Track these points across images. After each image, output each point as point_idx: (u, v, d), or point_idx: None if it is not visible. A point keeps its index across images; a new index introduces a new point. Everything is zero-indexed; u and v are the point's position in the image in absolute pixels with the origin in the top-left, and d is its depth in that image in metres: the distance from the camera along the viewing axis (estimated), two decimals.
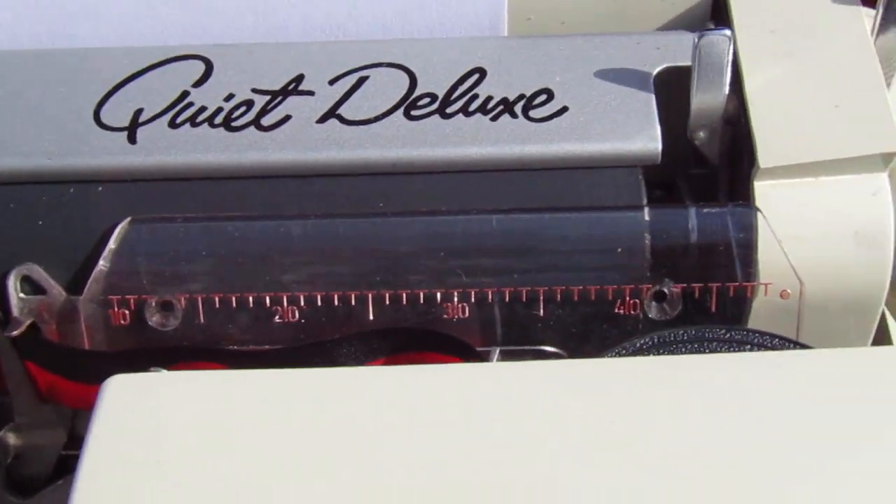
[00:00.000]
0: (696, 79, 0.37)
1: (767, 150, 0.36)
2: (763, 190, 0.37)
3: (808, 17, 0.40)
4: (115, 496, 0.29)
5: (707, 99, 0.37)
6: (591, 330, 0.37)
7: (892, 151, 0.36)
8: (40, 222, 0.37)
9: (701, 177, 0.41)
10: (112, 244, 0.36)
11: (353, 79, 0.38)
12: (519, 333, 0.37)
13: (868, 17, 0.40)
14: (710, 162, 0.38)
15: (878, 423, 0.29)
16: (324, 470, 0.29)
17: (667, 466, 0.28)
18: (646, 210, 0.36)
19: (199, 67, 0.39)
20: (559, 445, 0.29)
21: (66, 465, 0.40)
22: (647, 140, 0.37)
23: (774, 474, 0.28)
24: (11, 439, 0.39)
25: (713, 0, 0.42)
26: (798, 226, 0.37)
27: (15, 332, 0.36)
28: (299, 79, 0.38)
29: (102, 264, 0.36)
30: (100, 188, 0.37)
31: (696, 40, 0.36)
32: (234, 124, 0.37)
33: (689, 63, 0.37)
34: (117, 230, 0.36)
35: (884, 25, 0.40)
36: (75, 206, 0.37)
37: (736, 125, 0.38)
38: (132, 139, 0.37)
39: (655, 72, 0.38)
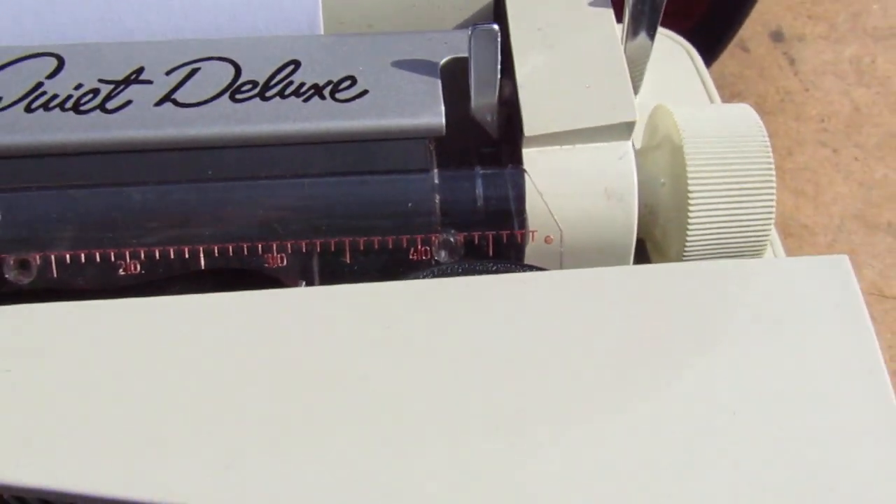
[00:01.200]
0: (472, 65, 0.43)
1: (532, 121, 0.43)
2: (530, 155, 0.43)
3: (569, 18, 0.47)
4: None
5: (483, 82, 0.44)
6: (392, 274, 0.43)
7: (630, 121, 0.43)
8: None
9: (489, 154, 0.47)
10: None
11: (186, 70, 0.44)
12: (330, 279, 0.43)
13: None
14: (492, 137, 0.45)
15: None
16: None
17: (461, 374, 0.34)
18: (435, 173, 0.43)
19: (52, 63, 0.44)
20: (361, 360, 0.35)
21: None
22: (433, 115, 0.43)
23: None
24: None
25: (495, 6, 0.49)
26: (559, 184, 0.43)
27: None
28: (140, 70, 0.44)
29: None
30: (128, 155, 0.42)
31: (471, 32, 0.43)
32: (82, 108, 0.42)
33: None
34: None
35: (630, 36, 0.47)
36: None
37: (511, 106, 0.45)
38: None
39: (442, 62, 0.45)
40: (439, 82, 0.44)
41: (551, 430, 0.33)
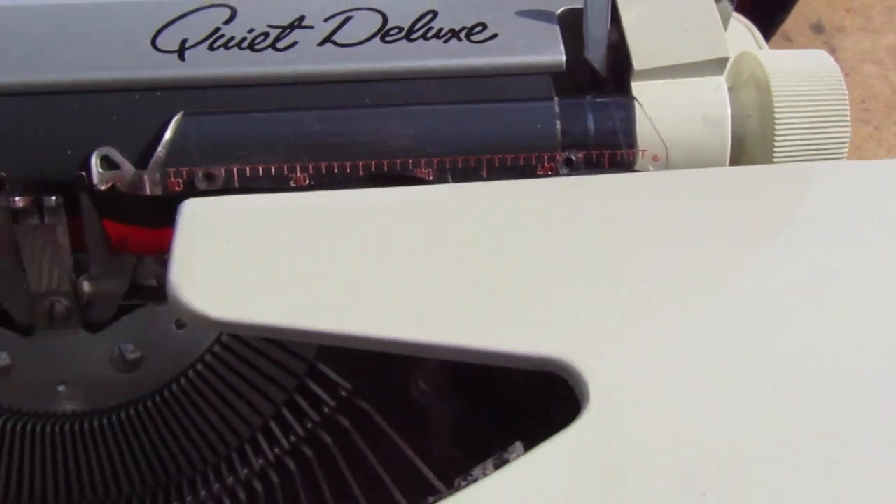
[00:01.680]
0: (587, 12, 0.50)
1: (639, 58, 0.50)
2: (638, 88, 0.50)
3: None
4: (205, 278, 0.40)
5: (596, 27, 0.50)
6: None
7: (724, 57, 0.50)
8: (114, 117, 0.48)
9: (600, 92, 0.53)
10: (169, 131, 0.47)
11: (341, 17, 0.51)
12: None
13: None
14: (601, 77, 0.51)
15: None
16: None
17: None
18: (556, 100, 0.49)
19: (227, 12, 0.51)
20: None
21: (123, 311, 0.50)
22: (555, 54, 0.50)
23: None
24: (86, 287, 0.49)
25: None
26: (663, 111, 0.50)
27: (98, 188, 0.46)
28: (302, 18, 0.51)
29: (162, 146, 0.47)
30: (158, 94, 0.48)
31: None
32: (256, 48, 0.49)
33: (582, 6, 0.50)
34: (173, 121, 0.47)
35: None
36: (140, 107, 0.48)
37: (618, 50, 0.52)
38: (182, 58, 0.49)
39: (559, 11, 0.51)
40: (558, 27, 0.50)
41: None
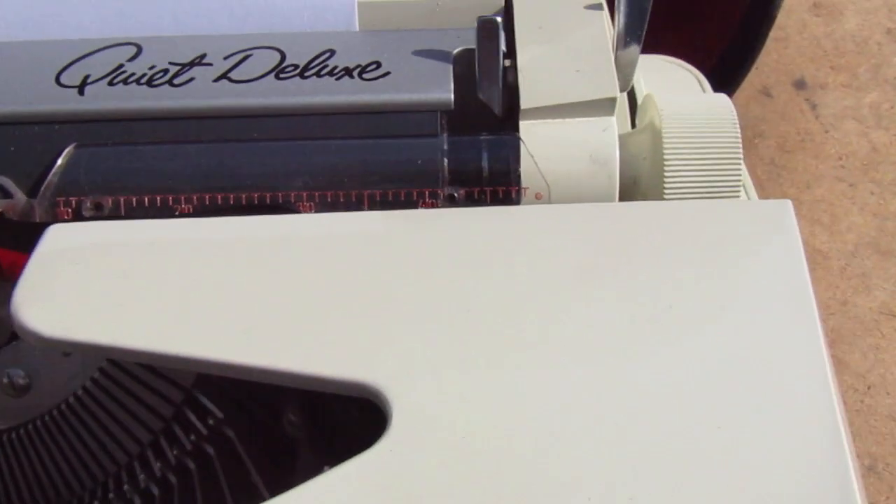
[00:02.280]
0: (478, 51, 0.50)
1: (528, 96, 0.50)
2: (526, 126, 0.50)
3: (566, 18, 0.54)
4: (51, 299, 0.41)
5: (487, 66, 0.50)
6: None
7: (612, 97, 0.49)
8: (12, 148, 0.49)
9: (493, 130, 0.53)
10: (60, 161, 0.49)
11: (240, 55, 0.52)
12: None
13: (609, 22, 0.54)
14: (497, 116, 0.51)
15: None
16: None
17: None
18: (443, 137, 0.49)
19: (132, 50, 0.52)
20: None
21: (14, 336, 0.50)
22: (444, 92, 0.50)
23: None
24: None
25: (504, 10, 0.56)
26: (551, 150, 0.50)
27: None
28: (203, 56, 0.52)
29: (52, 175, 0.49)
30: (56, 127, 0.50)
31: (477, 23, 0.50)
32: (154, 83, 0.51)
33: None
34: (65, 152, 0.49)
35: (620, 44, 0.54)
36: (39, 139, 0.49)
37: (513, 89, 0.52)
38: (81, 93, 0.50)
39: (455, 51, 0.52)
40: (450, 66, 0.51)
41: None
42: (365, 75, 0.51)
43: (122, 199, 0.48)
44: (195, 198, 0.48)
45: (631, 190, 0.51)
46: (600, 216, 0.44)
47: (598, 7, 0.54)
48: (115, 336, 0.38)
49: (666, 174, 0.50)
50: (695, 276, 0.42)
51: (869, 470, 0.95)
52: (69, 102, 0.50)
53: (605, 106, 0.50)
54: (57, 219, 0.48)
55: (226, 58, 0.52)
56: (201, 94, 0.50)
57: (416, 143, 0.49)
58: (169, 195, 0.48)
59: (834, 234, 0.94)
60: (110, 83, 0.51)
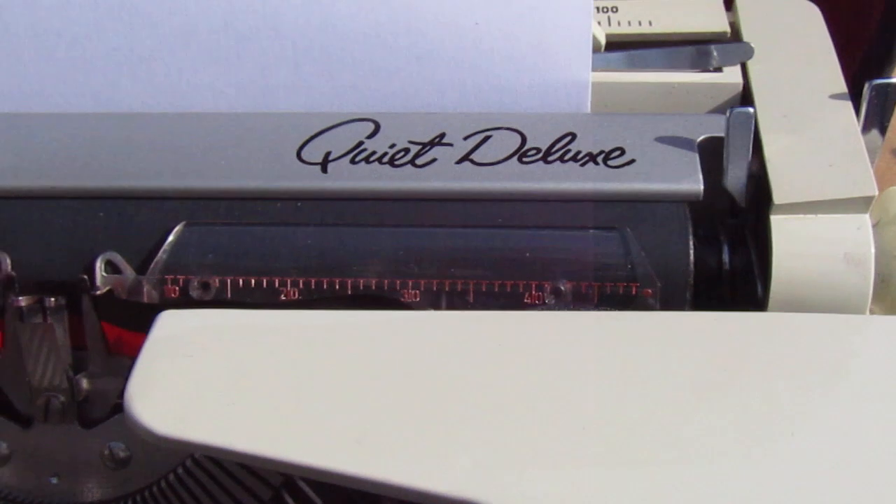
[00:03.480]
0: (729, 143, 0.48)
1: (780, 192, 0.47)
2: (777, 221, 0.48)
3: (811, 105, 0.51)
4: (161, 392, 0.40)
5: (737, 156, 0.48)
6: None
7: (869, 195, 0.47)
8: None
9: (734, 225, 0.51)
10: (170, 238, 0.48)
11: (480, 136, 0.50)
12: None
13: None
14: (739, 205, 0.49)
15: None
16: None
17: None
18: (691, 241, 0.48)
19: (371, 126, 0.51)
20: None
21: (117, 409, 0.50)
22: (692, 183, 0.48)
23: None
24: (83, 384, 0.50)
25: (742, 95, 0.54)
26: (804, 248, 0.47)
27: (97, 293, 0.48)
28: (442, 135, 0.51)
29: (161, 253, 0.48)
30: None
31: (728, 114, 0.48)
32: (396, 163, 0.49)
33: (724, 134, 0.49)
34: (175, 230, 0.48)
35: (866, 127, 0.52)
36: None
37: (758, 180, 0.50)
38: (324, 171, 0.49)
39: (699, 139, 0.50)
40: (697, 155, 0.49)
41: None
42: (610, 162, 0.49)
43: (228, 280, 0.47)
44: (301, 282, 0.47)
45: (881, 290, 0.49)
46: (742, 326, 0.42)
47: (844, 96, 0.52)
48: (226, 439, 0.38)
49: None
50: (823, 395, 0.40)
51: None
52: (313, 180, 0.49)
53: (860, 203, 0.47)
54: (164, 297, 0.48)
55: (465, 138, 0.50)
56: (446, 176, 0.49)
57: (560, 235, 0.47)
58: (275, 278, 0.47)
59: None
60: (352, 161, 0.50)
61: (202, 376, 0.41)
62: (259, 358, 0.42)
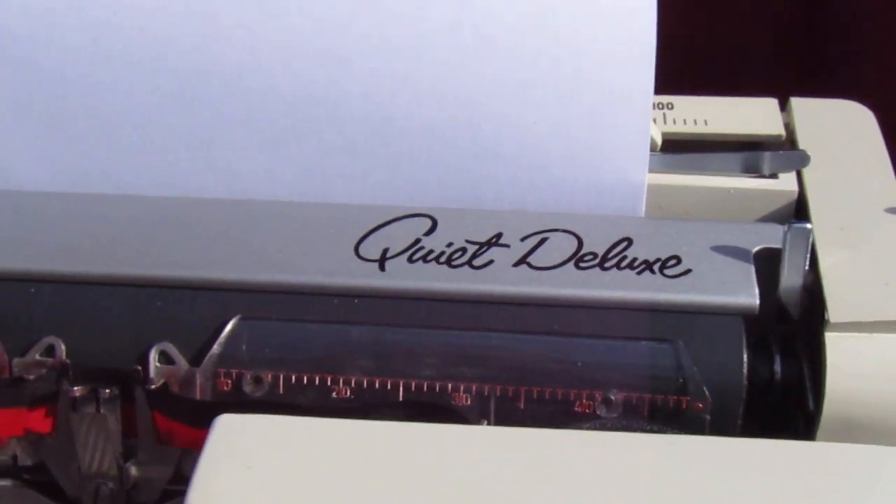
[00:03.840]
0: (786, 257, 0.48)
1: (836, 311, 0.47)
2: (831, 339, 0.47)
3: (867, 219, 0.52)
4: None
5: (793, 269, 0.48)
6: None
7: None
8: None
9: (783, 331, 0.51)
10: (226, 331, 0.48)
11: (537, 238, 0.50)
12: None
13: None
14: (792, 317, 0.49)
15: None
16: None
17: None
18: (745, 356, 0.47)
19: (428, 223, 0.51)
20: None
21: (166, 496, 0.51)
22: (748, 297, 0.48)
23: None
24: (133, 471, 0.51)
25: (797, 205, 0.54)
26: (858, 367, 0.47)
27: (152, 386, 0.48)
28: (499, 235, 0.51)
29: (216, 346, 0.48)
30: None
31: (787, 228, 0.48)
32: (453, 263, 0.50)
33: (779, 245, 0.49)
34: (230, 323, 0.48)
35: None
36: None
37: (811, 292, 0.50)
38: (382, 269, 0.50)
39: (755, 250, 0.50)
40: (753, 267, 0.49)
41: None
42: (666, 271, 0.49)
43: (281, 376, 0.48)
44: (353, 380, 0.47)
45: None
46: (793, 455, 0.42)
47: None
48: None
49: None
50: None
51: None
52: (371, 278, 0.49)
53: None
54: (217, 390, 0.48)
55: (522, 239, 0.50)
56: (503, 280, 0.49)
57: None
58: (328, 375, 0.47)
59: None
60: (409, 259, 0.50)
61: (262, 486, 0.41)
62: (316, 469, 0.42)
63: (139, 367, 0.48)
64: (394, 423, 0.44)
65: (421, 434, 0.44)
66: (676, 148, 0.56)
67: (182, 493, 0.49)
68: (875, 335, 0.47)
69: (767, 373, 0.49)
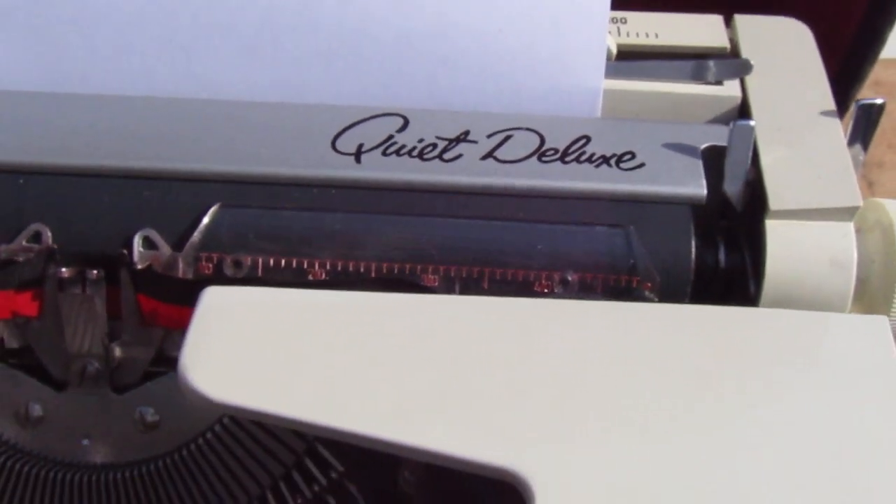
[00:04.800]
0: (730, 152, 0.52)
1: (776, 198, 0.52)
2: (771, 226, 0.52)
3: (802, 121, 0.56)
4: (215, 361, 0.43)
5: (736, 165, 0.52)
6: None
7: (854, 206, 0.51)
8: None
9: (727, 225, 0.55)
10: (206, 219, 0.51)
11: (502, 135, 0.54)
12: None
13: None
14: (736, 210, 0.53)
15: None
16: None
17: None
18: (693, 241, 0.52)
19: (400, 121, 0.54)
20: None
21: (147, 378, 0.54)
22: (696, 187, 0.52)
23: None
24: (117, 352, 0.53)
25: (740, 108, 0.58)
26: (794, 251, 0.52)
27: (138, 267, 0.50)
28: (467, 133, 0.54)
29: (197, 232, 0.51)
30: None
31: (731, 126, 0.52)
32: (425, 157, 0.52)
33: (725, 143, 0.52)
34: (210, 211, 0.51)
35: (851, 142, 0.56)
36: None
37: (754, 187, 0.54)
38: (358, 161, 0.52)
39: (703, 147, 0.54)
40: (700, 162, 0.53)
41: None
42: (622, 165, 0.53)
43: (259, 259, 0.50)
44: (328, 263, 0.50)
45: (859, 292, 0.53)
46: (732, 319, 0.47)
47: (833, 114, 0.56)
48: (275, 405, 0.42)
49: None
50: (790, 387, 0.45)
51: None
52: (347, 169, 0.52)
53: (845, 213, 0.52)
54: (198, 273, 0.50)
55: (489, 136, 0.54)
56: (471, 171, 0.52)
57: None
58: (304, 259, 0.50)
59: None
60: (384, 153, 0.53)
61: (250, 348, 0.44)
62: (305, 332, 0.45)
63: (125, 251, 0.50)
64: (370, 293, 0.48)
65: (393, 301, 0.47)
66: (630, 58, 0.59)
67: (163, 374, 0.53)
68: (810, 223, 0.52)
69: (713, 261, 0.53)
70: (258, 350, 0.44)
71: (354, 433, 0.41)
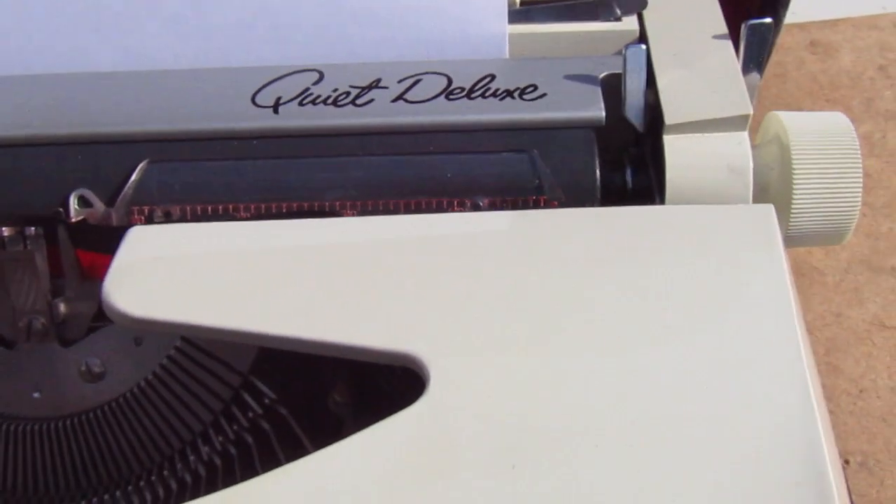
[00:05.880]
0: (626, 75, 0.55)
1: (671, 113, 0.54)
2: (670, 140, 0.54)
3: (695, 46, 0.58)
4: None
5: (634, 88, 0.55)
6: None
7: (746, 114, 0.54)
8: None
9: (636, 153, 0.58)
10: (135, 175, 0.53)
11: (412, 80, 0.56)
12: None
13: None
14: (639, 132, 0.56)
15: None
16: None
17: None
18: (597, 161, 0.54)
19: (316, 75, 0.57)
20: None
21: (92, 329, 0.56)
22: (596, 111, 0.54)
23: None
24: (61, 307, 0.55)
25: (639, 39, 0.60)
26: (693, 161, 0.54)
27: (72, 220, 0.52)
28: (378, 80, 0.56)
29: (127, 188, 0.53)
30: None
31: (624, 50, 0.54)
32: (339, 104, 0.55)
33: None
34: (139, 168, 0.53)
35: (745, 64, 0.58)
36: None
37: (654, 108, 0.56)
38: (276, 112, 0.55)
39: (602, 75, 0.56)
40: (599, 88, 0.55)
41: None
42: (525, 96, 0.55)
43: (188, 208, 0.53)
44: (252, 207, 0.53)
45: (761, 197, 0.55)
46: (599, 220, 0.49)
47: (725, 37, 0.58)
48: (189, 316, 0.44)
49: (795, 183, 0.54)
50: (680, 277, 0.47)
51: (861, 466, 1.00)
52: (266, 120, 0.55)
53: (739, 122, 0.54)
54: (131, 225, 0.52)
55: (399, 81, 0.56)
56: (383, 113, 0.55)
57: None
58: (229, 204, 0.53)
59: (829, 252, 0.98)
60: (300, 104, 0.55)
61: (169, 272, 0.47)
62: (219, 255, 0.47)
63: (60, 209, 0.53)
64: (289, 221, 0.50)
65: (306, 225, 0.50)
66: (535, 3, 0.62)
67: (107, 326, 0.55)
68: (707, 134, 0.54)
69: (621, 181, 0.55)
70: (176, 274, 0.47)
71: (260, 334, 0.43)
